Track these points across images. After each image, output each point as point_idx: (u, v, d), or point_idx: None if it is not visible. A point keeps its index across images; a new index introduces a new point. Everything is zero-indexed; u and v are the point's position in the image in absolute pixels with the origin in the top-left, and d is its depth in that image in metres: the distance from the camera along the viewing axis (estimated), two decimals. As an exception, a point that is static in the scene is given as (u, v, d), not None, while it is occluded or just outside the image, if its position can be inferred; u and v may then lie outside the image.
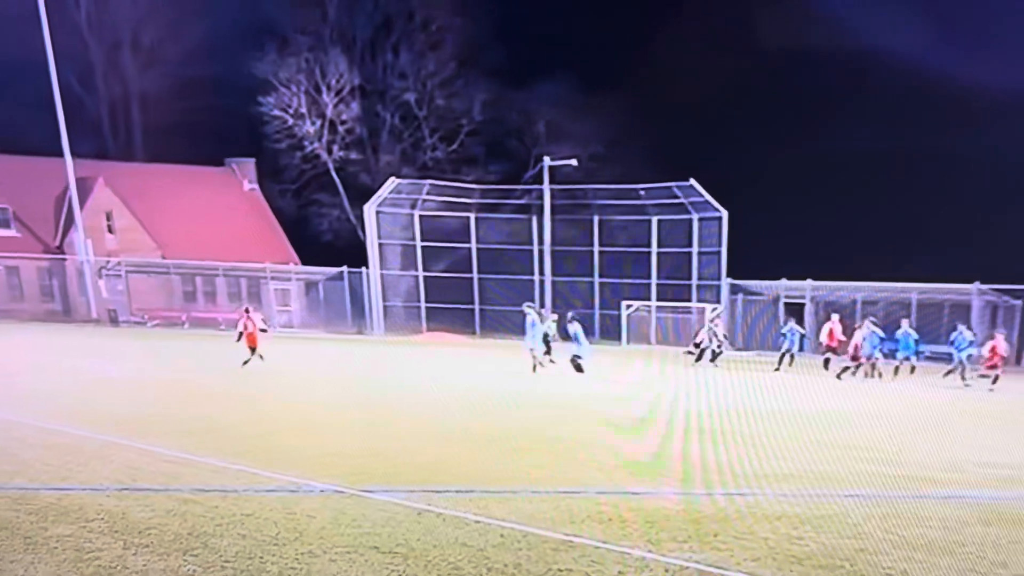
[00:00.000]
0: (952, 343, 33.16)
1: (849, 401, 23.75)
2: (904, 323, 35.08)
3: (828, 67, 53.63)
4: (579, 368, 28.02)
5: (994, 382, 29.95)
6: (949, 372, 31.66)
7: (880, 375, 31.41)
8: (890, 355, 34.87)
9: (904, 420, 19.06)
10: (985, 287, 44.96)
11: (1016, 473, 11.79)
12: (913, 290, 46.34)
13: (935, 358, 38.54)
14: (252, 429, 13.40)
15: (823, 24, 52.23)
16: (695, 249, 52.45)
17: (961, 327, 33.54)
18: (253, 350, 26.91)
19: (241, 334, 27.35)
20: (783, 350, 35.59)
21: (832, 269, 46.16)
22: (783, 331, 36.93)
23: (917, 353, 34.96)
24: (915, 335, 34.44)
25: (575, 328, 29.47)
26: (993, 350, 31.31)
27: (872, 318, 33.48)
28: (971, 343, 32.64)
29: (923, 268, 44.93)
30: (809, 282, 48.32)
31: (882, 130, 51.36)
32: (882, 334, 32.86)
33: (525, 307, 31.48)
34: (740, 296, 51.21)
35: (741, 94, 56.37)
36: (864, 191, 52.48)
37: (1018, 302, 45.41)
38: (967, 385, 29.84)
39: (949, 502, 9.59)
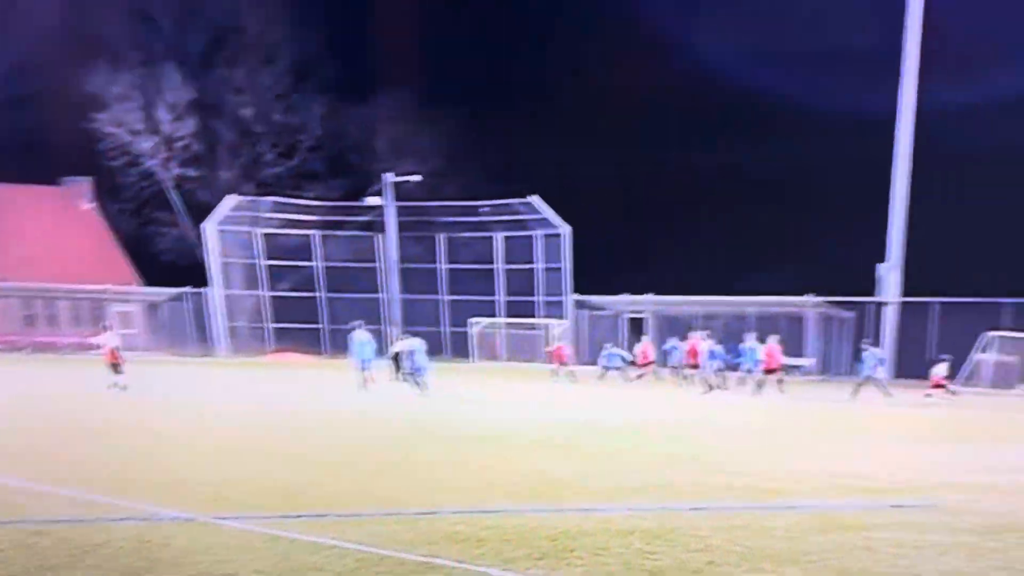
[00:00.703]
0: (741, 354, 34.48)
1: (695, 414, 24.02)
2: (748, 337, 35.63)
3: (668, 85, 54.14)
4: (417, 384, 28.54)
5: (780, 385, 31.45)
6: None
7: (716, 387, 32.52)
8: (734, 368, 35.88)
9: (746, 431, 19.34)
10: (819, 300, 46.02)
11: (853, 481, 12.17)
12: (751, 304, 47.09)
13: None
14: (101, 457, 13.16)
15: (663, 44, 52.94)
16: (539, 265, 53.18)
17: (748, 337, 34.65)
18: (116, 367, 26.65)
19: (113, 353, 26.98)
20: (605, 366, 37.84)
21: (674, 284, 46.85)
22: (603, 354, 38.94)
23: (757, 362, 34.98)
24: (760, 347, 34.59)
25: (410, 345, 30.02)
26: (769, 356, 32.75)
27: (708, 331, 34.80)
28: (756, 358, 33.59)
29: (760, 283, 46.56)
30: (650, 297, 48.90)
31: (722, 147, 52.65)
32: (718, 348, 34.30)
33: (353, 324, 32.17)
34: (584, 312, 51.71)
35: (582, 111, 56.78)
36: (704, 207, 53.41)
37: (851, 314, 46.52)
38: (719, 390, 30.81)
39: (792, 512, 9.90)
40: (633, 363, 36.89)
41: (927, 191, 45.36)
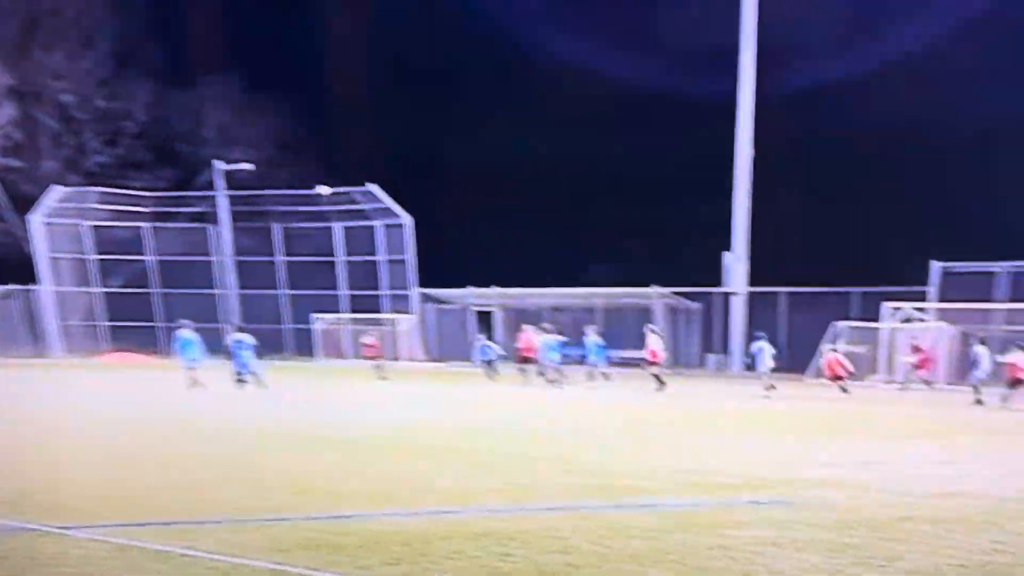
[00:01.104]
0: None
1: (551, 411, 24.14)
2: (590, 330, 36.16)
3: (510, 74, 54.69)
4: (243, 382, 28.70)
5: (659, 383, 31.43)
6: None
7: (554, 382, 32.22)
8: (580, 361, 36.60)
9: (604, 429, 19.51)
10: (665, 291, 46.70)
11: (706, 478, 12.34)
12: (598, 296, 47.88)
13: (629, 363, 40.40)
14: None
15: (502, 31, 52.87)
16: (382, 257, 52.53)
17: (591, 331, 34.96)
18: None
19: None
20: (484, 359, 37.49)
21: (520, 277, 46.51)
22: (480, 345, 38.68)
23: (602, 356, 36.13)
24: (600, 341, 35.50)
25: (237, 340, 29.95)
26: (652, 353, 33.03)
27: (547, 324, 35.28)
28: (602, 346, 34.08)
29: (607, 275, 47.78)
30: (495, 289, 48.81)
31: (567, 137, 52.38)
32: (560, 340, 34.29)
33: (180, 323, 31.75)
34: (430, 305, 51.84)
35: (421, 98, 56.49)
36: (550, 197, 53.05)
37: (698, 305, 47.72)
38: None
39: (651, 510, 10.00)
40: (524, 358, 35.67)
41: (771, 179, 46.09)
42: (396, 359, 46.43)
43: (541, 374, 32.87)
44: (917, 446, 17.40)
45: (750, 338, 36.62)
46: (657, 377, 31.85)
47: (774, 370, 32.41)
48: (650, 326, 35.25)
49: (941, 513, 10.21)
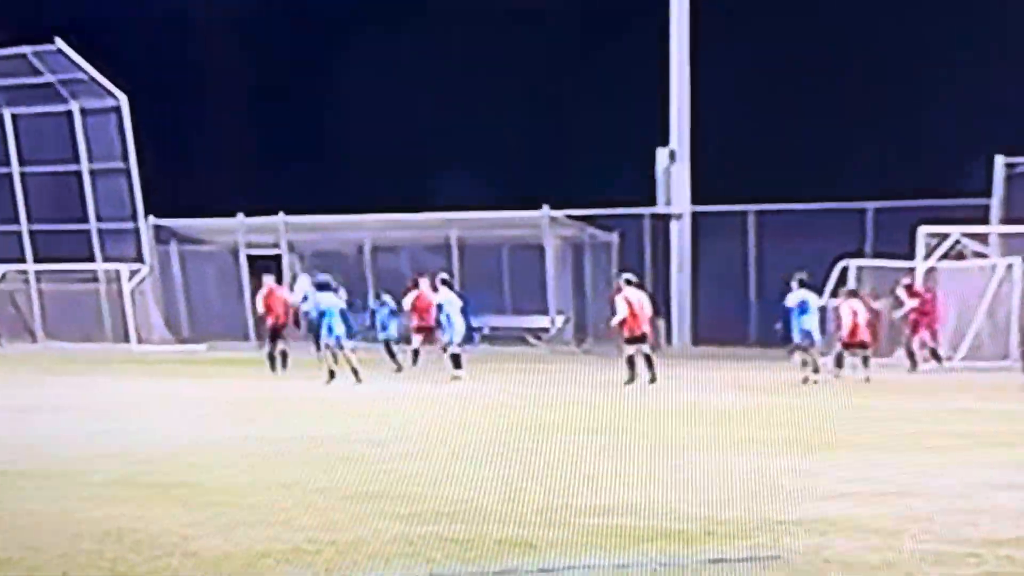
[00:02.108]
0: None
1: (391, 416, 22.06)
2: (419, 281, 32.31)
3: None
4: None
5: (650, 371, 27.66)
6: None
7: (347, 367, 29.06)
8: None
9: (471, 443, 17.08)
10: (563, 215, 39.84)
11: (640, 522, 11.85)
12: (453, 225, 40.79)
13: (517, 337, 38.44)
14: None
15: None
16: (85, 166, 43.60)
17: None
18: None
19: None
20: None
21: (325, 197, 40.60)
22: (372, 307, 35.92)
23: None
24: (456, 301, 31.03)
25: None
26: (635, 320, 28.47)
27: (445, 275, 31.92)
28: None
29: (467, 190, 40.58)
30: (282, 218, 42.49)
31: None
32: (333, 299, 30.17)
33: None
34: (174, 247, 44.11)
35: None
36: (369, 73, 44.18)
37: (613, 237, 40.50)
38: None
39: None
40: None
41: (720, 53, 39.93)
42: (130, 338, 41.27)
43: (456, 359, 29.25)
44: (971, 460, 15.53)
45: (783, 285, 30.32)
46: (648, 360, 27.34)
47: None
48: (626, 276, 29.72)
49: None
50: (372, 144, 42.29)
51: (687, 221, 39.24)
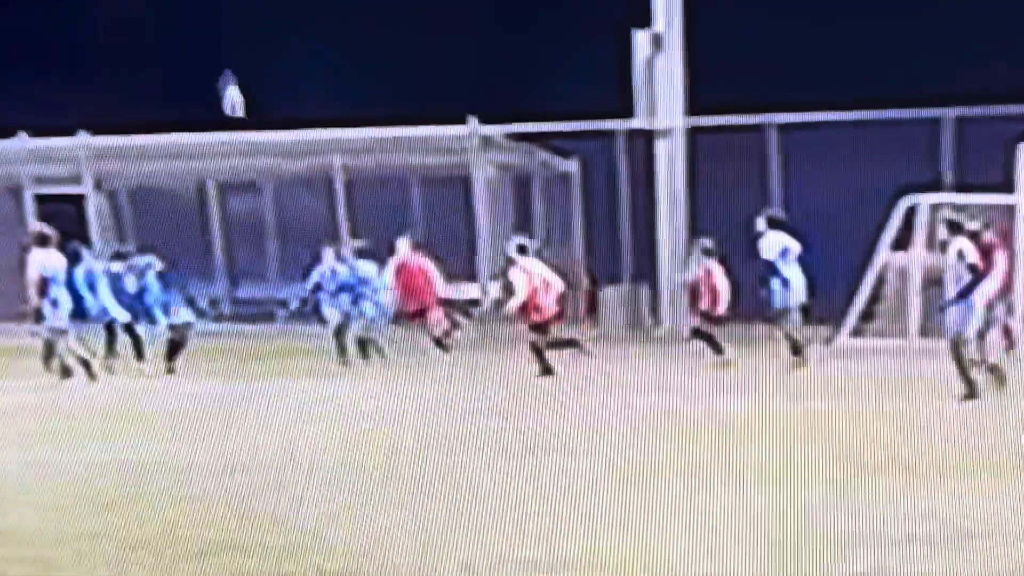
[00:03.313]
0: None
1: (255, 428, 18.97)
2: (326, 252, 29.21)
3: None
4: None
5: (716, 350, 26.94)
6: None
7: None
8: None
9: (350, 462, 16.00)
10: (500, 131, 35.79)
11: None
12: (337, 148, 36.79)
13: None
14: None
15: None
16: None
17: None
18: None
19: None
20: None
21: (136, 112, 35.53)
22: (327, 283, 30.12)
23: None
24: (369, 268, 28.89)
25: None
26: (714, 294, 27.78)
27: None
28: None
29: (351, 99, 36.29)
30: (84, 139, 37.31)
31: None
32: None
33: None
34: None
35: None
36: None
37: (572, 165, 36.58)
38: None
39: None
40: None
41: None
42: None
43: (441, 343, 27.40)
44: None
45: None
46: (712, 341, 25.79)
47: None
48: (703, 242, 27.67)
49: None
50: (217, 30, 37.67)
51: (679, 139, 34.26)
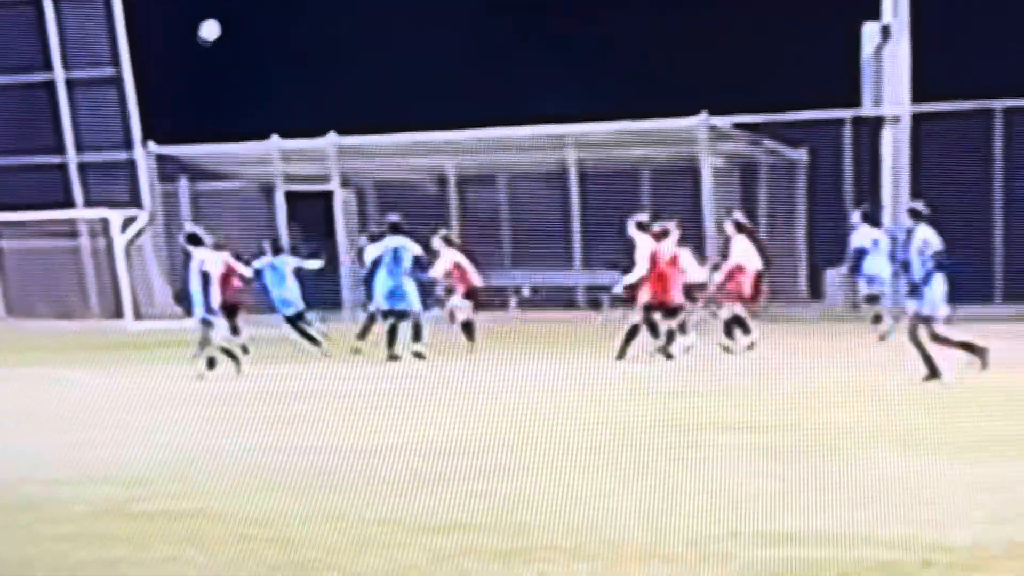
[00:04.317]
0: None
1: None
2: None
3: None
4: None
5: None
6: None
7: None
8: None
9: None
10: (728, 122, 38.08)
11: None
12: (570, 142, 40.36)
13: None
14: None
15: None
16: (60, 74, 41.93)
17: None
18: None
19: None
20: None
21: (379, 113, 37.88)
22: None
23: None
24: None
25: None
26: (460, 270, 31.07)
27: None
28: None
29: (581, 95, 38.64)
30: (333, 140, 40.56)
31: None
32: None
33: None
34: (183, 184, 42.94)
35: None
36: None
37: (801, 154, 38.23)
38: None
39: None
40: None
41: None
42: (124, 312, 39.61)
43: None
44: None
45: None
46: (741, 324, 27.76)
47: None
48: (637, 218, 28.82)
49: None
50: (451, 36, 39.57)
51: (906, 126, 36.19)
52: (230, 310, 28.69)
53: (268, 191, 41.22)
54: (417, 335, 28.18)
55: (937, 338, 23.10)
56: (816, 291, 38.74)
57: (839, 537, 11.72)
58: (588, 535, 11.99)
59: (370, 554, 11.44)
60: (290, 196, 40.06)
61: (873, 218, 29.85)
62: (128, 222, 40.84)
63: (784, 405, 19.84)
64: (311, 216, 39.85)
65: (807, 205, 38.29)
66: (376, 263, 29.17)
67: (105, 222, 41.21)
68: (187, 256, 27.71)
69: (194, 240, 27.31)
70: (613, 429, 17.56)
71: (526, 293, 38.21)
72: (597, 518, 12.46)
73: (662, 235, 27.55)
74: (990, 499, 13.37)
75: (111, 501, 14.10)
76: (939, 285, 23.84)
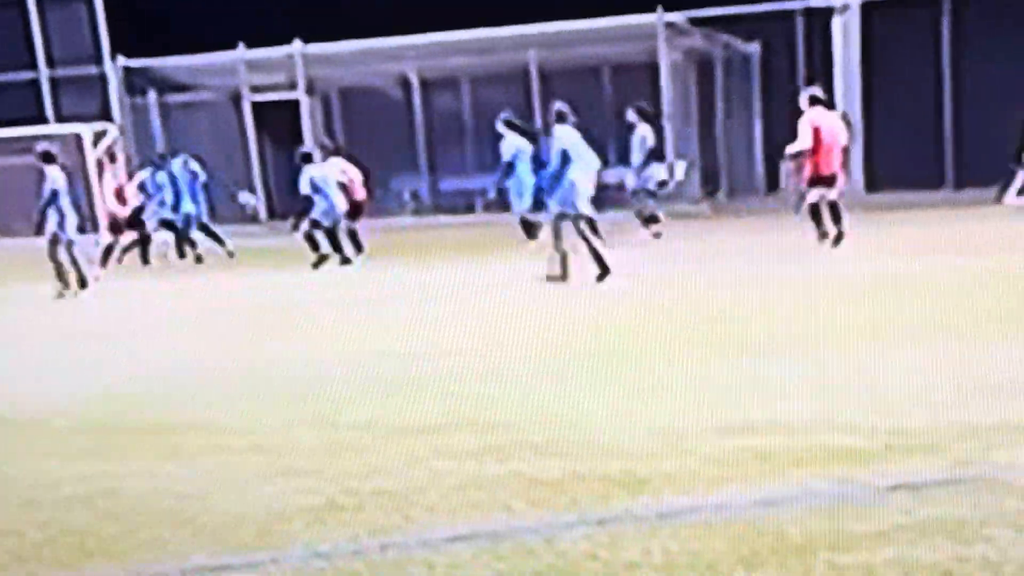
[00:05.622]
0: None
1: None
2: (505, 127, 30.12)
3: None
4: None
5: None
6: None
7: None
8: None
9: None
10: (683, 17, 38.75)
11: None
12: (532, 43, 39.78)
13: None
14: None
15: None
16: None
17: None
18: None
19: None
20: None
21: (340, 20, 39.56)
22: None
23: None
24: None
25: None
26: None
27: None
28: None
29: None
30: (299, 47, 41.66)
31: None
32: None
33: None
34: (152, 97, 44.61)
35: None
36: None
37: (753, 47, 39.67)
38: None
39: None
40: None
41: None
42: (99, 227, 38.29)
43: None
44: None
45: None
46: (834, 210, 25.79)
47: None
48: (811, 92, 27.66)
49: None
50: None
51: (855, 14, 37.19)
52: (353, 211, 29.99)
53: (236, 101, 41.61)
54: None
55: None
56: (773, 184, 38.92)
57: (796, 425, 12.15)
58: (562, 432, 12.40)
59: (346, 458, 11.77)
60: (257, 105, 40.86)
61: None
62: (99, 137, 40.70)
63: (742, 298, 20.45)
64: (279, 125, 40.57)
65: (762, 99, 39.23)
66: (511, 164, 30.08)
67: (77, 137, 40.93)
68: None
69: (306, 159, 29.11)
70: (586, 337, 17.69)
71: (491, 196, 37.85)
72: (575, 416, 12.94)
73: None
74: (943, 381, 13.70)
75: (91, 417, 14.55)
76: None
